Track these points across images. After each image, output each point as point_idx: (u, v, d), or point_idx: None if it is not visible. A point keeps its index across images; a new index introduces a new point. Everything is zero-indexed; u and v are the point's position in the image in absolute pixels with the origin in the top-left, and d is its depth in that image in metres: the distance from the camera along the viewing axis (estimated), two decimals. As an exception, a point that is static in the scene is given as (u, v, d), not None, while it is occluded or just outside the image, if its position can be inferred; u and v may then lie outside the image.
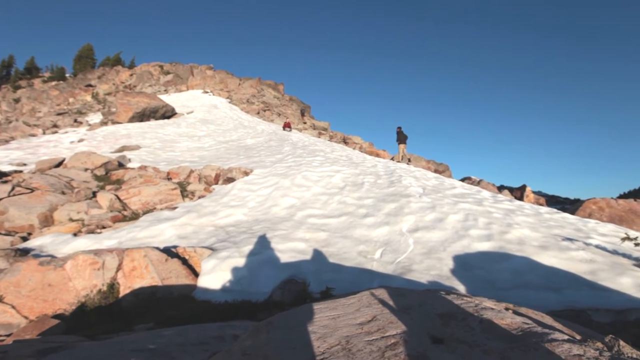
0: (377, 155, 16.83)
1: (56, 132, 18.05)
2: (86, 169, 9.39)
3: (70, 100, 30.67)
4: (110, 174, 9.43)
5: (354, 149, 17.94)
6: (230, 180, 9.19)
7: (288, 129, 19.39)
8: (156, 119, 20.81)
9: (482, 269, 4.40)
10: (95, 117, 22.15)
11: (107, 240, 5.77)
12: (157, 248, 4.95)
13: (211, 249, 5.21)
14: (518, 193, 13.28)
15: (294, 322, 1.61)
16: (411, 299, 1.87)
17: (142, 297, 4.04)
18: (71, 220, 6.64)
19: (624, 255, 4.53)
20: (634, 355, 1.51)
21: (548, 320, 2.00)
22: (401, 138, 14.10)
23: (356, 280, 4.27)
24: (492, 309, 1.92)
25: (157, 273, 4.30)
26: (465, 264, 4.55)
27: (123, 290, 4.06)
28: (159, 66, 36.70)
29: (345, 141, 21.90)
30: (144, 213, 7.09)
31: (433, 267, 4.50)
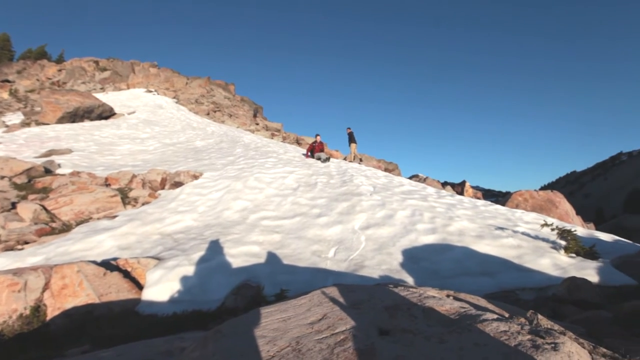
0: (331, 156, 17.13)
1: (-37, 135, 15.49)
2: (2, 177, 8.21)
3: (-19, 98, 26.52)
4: (34, 182, 8.35)
5: (307, 149, 18.03)
6: (178, 184, 8.69)
7: (323, 156, 11.93)
8: (91, 120, 18.90)
9: (428, 260, 4.70)
10: (14, 118, 19.42)
11: (31, 257, 5.10)
12: (94, 262, 4.50)
13: (157, 258, 4.88)
14: (459, 188, 14.43)
15: (243, 329, 1.57)
16: (360, 295, 1.94)
17: (76, 318, 3.64)
18: (-16, 236, 5.75)
19: (544, 239, 5.15)
20: (549, 326, 1.73)
21: (483, 302, 2.20)
22: (352, 138, 14.53)
23: (311, 280, 4.30)
24: (434, 297, 2.06)
25: (94, 289, 3.91)
26: (413, 257, 4.83)
27: (51, 312, 3.62)
28: (93, 62, 33.33)
29: (298, 142, 21.93)
30: (78, 224, 6.40)
31: (384, 262, 4.71)
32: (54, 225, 6.36)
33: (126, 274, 4.41)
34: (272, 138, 20.75)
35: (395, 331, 1.48)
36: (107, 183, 8.46)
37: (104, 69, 32.32)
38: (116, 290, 4.09)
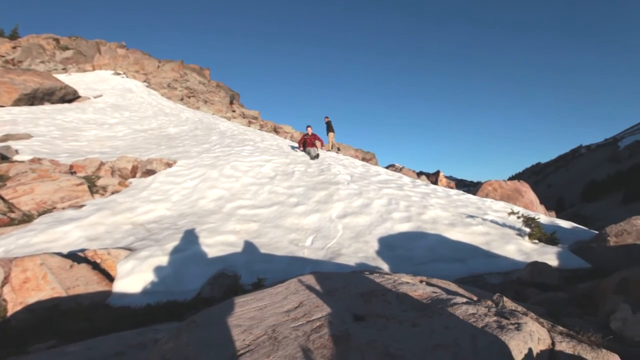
0: (319, 148, 17.05)
1: None
2: (-48, 164, 7.53)
3: None
4: (-12, 169, 7.73)
5: (284, 138, 17.86)
6: (150, 172, 8.35)
7: (313, 152, 10.88)
8: (52, 103, 17.63)
9: (403, 248, 4.84)
10: (-37, 99, 17.75)
11: (-12, 249, 4.77)
12: (59, 253, 4.28)
13: (129, 249, 4.71)
14: (433, 178, 14.86)
15: (218, 318, 1.55)
16: (336, 282, 1.97)
17: (40, 313, 3.46)
18: None
19: (510, 227, 5.44)
20: (513, 308, 1.84)
21: (453, 287, 2.30)
22: (330, 128, 14.52)
23: (288, 268, 4.32)
24: (408, 283, 2.13)
25: (60, 282, 3.73)
26: (388, 245, 4.95)
27: (12, 308, 3.42)
28: (53, 39, 30.85)
29: (276, 130, 21.64)
30: (40, 214, 6.02)
31: (360, 250, 4.80)
32: (12, 215, 5.95)
33: (95, 266, 4.23)
34: (249, 126, 20.33)
35: (370, 317, 1.52)
36: (72, 171, 7.99)
37: (66, 48, 30.07)
38: (84, 282, 3.91)
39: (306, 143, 11.61)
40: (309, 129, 12.33)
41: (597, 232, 5.34)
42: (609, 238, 4.00)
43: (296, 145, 13.34)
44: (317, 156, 10.76)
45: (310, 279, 1.99)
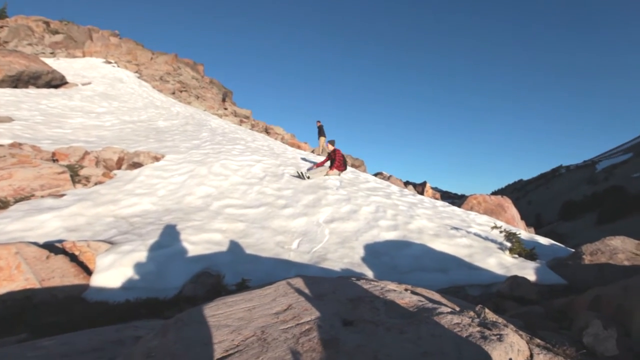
0: (299, 147, 17.07)
1: None
2: None
3: None
4: (-36, 151, 7.39)
5: (275, 139, 17.81)
6: (136, 165, 8.17)
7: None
8: (38, 87, 17.04)
9: (388, 256, 4.90)
10: (-60, 76, 16.93)
11: (-41, 235, 4.55)
12: (36, 243, 4.13)
13: (110, 242, 4.58)
14: (420, 188, 15.10)
15: (206, 317, 1.54)
16: (325, 286, 1.98)
17: (12, 304, 3.32)
18: None
19: (492, 240, 5.59)
20: (494, 319, 1.89)
21: (437, 297, 2.35)
22: (321, 132, 14.61)
23: (273, 270, 4.30)
24: (395, 290, 2.16)
25: (34, 273, 3.59)
26: (374, 252, 5.00)
27: (-17, 297, 3.28)
28: (43, 22, 29.90)
29: (267, 131, 21.56)
30: (17, 201, 5.80)
31: (346, 256, 4.82)
32: (-13, 200, 5.70)
33: (73, 258, 4.10)
34: (240, 125, 20.18)
35: (359, 322, 1.54)
36: (54, 158, 7.73)
37: (56, 32, 29.20)
38: (60, 275, 3.78)
39: (333, 162, 8.91)
40: (330, 146, 9.12)
41: (573, 250, 5.54)
42: (584, 256, 4.16)
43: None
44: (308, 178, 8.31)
45: (299, 282, 2.00)
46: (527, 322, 2.60)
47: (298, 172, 8.46)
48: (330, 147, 9.12)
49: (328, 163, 9.17)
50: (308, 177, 8.29)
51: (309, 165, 10.22)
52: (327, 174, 8.59)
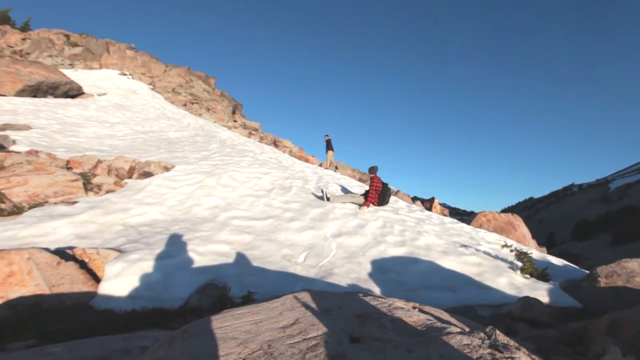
0: (306, 161, 17.16)
1: None
2: (-53, 149, 7.45)
3: None
4: (-16, 157, 7.63)
5: (283, 152, 17.97)
6: (147, 174, 8.31)
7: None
8: (56, 97, 17.65)
9: (395, 272, 4.83)
10: (-34, 85, 17.68)
11: (-26, 239, 4.66)
12: (47, 249, 4.20)
13: (119, 250, 4.63)
14: (428, 204, 14.95)
15: (213, 329, 1.54)
16: (332, 302, 1.96)
17: (21, 309, 3.36)
18: None
19: (503, 259, 5.47)
20: (505, 341, 1.84)
21: (445, 316, 2.31)
22: (330, 146, 14.71)
23: (279, 284, 4.27)
24: (402, 308, 2.13)
25: (45, 279, 3.64)
26: (381, 268, 4.94)
27: (-6, 301, 3.32)
28: (64, 35, 31.24)
29: (275, 144, 21.78)
30: (31, 207, 5.93)
31: (353, 271, 4.77)
32: (2, 206, 5.84)
33: (82, 265, 4.15)
34: (249, 137, 20.47)
35: (366, 339, 1.52)
36: (68, 166, 7.93)
37: (75, 45, 30.40)
38: (70, 281, 3.82)
39: (377, 191, 7.64)
40: (373, 175, 7.82)
41: (587, 271, 5.38)
42: (599, 279, 4.04)
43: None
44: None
45: (306, 297, 1.99)
46: (539, 346, 2.52)
47: (322, 191, 7.84)
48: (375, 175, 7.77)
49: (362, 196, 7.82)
50: (328, 199, 7.60)
51: (316, 178, 10.25)
52: (360, 209, 7.38)
